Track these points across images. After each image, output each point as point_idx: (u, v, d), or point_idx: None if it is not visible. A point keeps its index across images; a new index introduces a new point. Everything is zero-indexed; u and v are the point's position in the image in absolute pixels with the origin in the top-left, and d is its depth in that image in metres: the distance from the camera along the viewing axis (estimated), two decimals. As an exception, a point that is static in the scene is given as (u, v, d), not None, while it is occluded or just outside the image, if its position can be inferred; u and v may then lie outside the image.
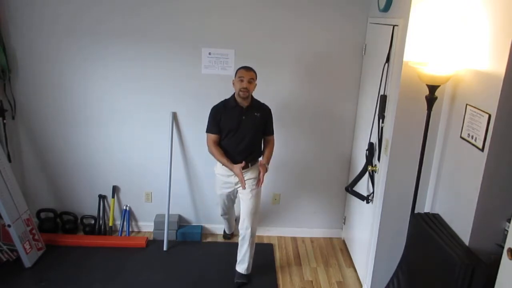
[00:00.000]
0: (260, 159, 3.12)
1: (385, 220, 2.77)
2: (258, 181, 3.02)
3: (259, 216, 3.32)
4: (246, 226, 2.99)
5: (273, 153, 3.14)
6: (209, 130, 3.03)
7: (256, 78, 2.94)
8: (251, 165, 3.06)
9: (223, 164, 3.00)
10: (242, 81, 2.86)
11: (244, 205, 3.03)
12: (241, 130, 2.97)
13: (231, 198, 3.29)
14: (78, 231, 3.77)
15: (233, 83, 2.94)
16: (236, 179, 3.01)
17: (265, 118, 3.05)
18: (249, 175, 3.04)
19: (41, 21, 3.26)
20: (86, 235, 3.69)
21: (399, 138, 2.60)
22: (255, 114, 2.99)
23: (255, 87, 2.95)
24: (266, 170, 3.03)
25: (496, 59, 1.96)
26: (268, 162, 3.08)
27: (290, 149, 3.63)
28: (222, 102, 3.04)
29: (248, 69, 2.90)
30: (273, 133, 3.14)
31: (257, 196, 3.05)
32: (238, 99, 2.94)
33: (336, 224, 3.88)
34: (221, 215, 3.51)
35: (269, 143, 3.14)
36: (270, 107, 3.09)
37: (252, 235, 3.02)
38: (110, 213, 3.75)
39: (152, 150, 3.61)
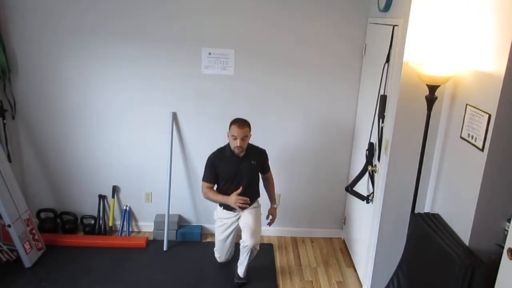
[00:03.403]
0: (259, 199, 3.21)
1: (385, 220, 2.77)
2: (271, 222, 3.20)
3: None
4: (254, 241, 2.96)
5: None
6: (205, 179, 3.08)
7: (250, 130, 2.95)
8: (250, 205, 3.09)
9: (220, 202, 3.05)
10: (235, 139, 2.88)
11: (248, 222, 3.03)
12: (238, 178, 3.02)
13: (234, 237, 3.23)
14: (78, 231, 3.77)
15: (228, 135, 2.96)
16: (237, 212, 3.07)
17: (261, 162, 3.12)
18: (249, 209, 3.10)
19: (41, 21, 3.26)
20: (86, 235, 3.69)
21: (399, 138, 2.60)
22: (252, 162, 3.04)
23: (249, 137, 2.97)
24: (276, 214, 3.20)
25: (496, 59, 1.96)
26: (275, 201, 3.24)
27: (290, 149, 3.63)
28: (218, 150, 3.08)
29: (241, 125, 2.88)
30: (270, 170, 3.21)
31: (258, 217, 3.12)
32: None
33: (336, 224, 3.88)
34: (217, 258, 3.35)
35: (269, 181, 3.24)
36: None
37: (257, 249, 3.04)
38: (110, 213, 3.75)
39: (152, 150, 3.61)
